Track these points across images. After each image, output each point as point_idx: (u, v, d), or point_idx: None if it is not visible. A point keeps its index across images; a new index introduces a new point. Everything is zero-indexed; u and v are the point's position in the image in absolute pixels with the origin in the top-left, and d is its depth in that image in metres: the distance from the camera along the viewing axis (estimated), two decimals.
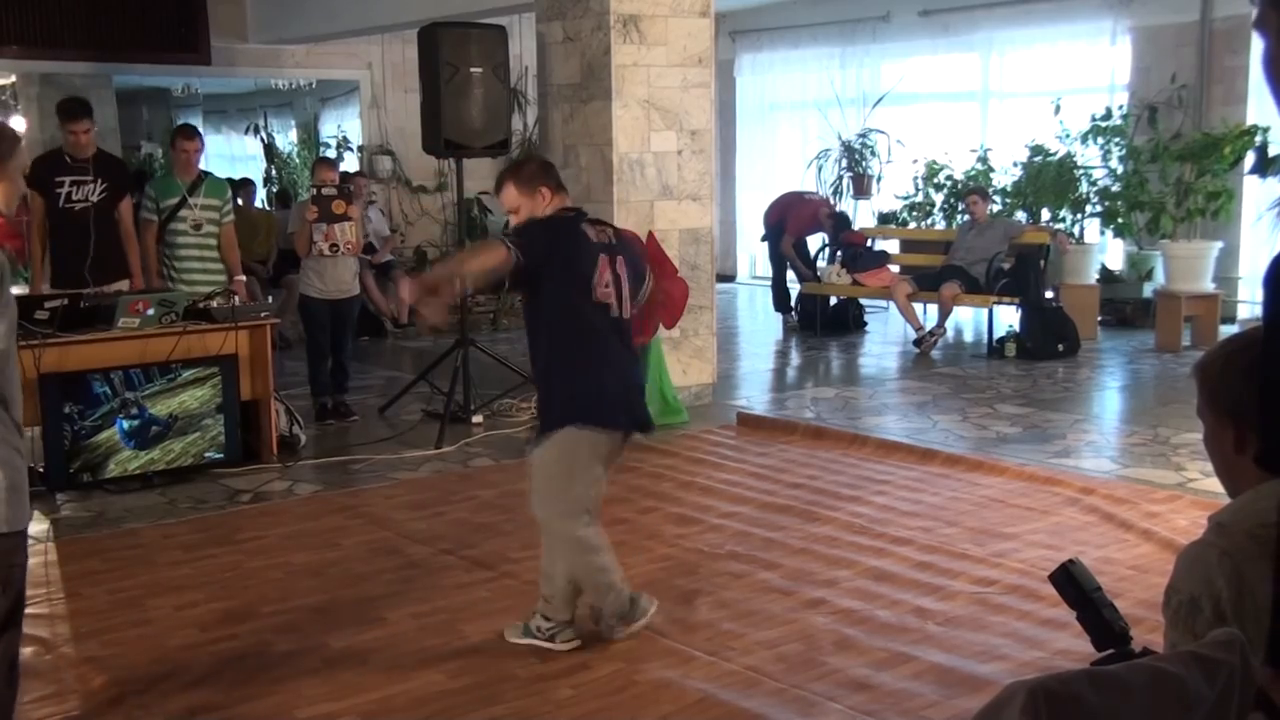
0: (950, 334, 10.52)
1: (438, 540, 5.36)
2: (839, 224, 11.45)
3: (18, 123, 11.99)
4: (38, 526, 5.63)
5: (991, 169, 11.60)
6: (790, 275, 11.70)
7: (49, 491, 6.00)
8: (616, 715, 3.70)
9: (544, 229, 4.09)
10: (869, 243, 11.30)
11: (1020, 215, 10.97)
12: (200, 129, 7.93)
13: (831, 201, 11.99)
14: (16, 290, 4.91)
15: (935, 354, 9.85)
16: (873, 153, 12.53)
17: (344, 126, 13.71)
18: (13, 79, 11.94)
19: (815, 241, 11.77)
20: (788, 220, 11.46)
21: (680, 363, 7.88)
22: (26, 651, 4.03)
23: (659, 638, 4.21)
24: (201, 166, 7.46)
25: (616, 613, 4.14)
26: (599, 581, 4.11)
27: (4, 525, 3.00)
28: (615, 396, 4.13)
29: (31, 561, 5.14)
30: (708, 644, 4.18)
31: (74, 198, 6.94)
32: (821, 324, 10.97)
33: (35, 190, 6.98)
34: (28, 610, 4.49)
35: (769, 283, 12.04)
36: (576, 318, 4.06)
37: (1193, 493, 5.71)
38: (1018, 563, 4.89)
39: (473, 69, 7.49)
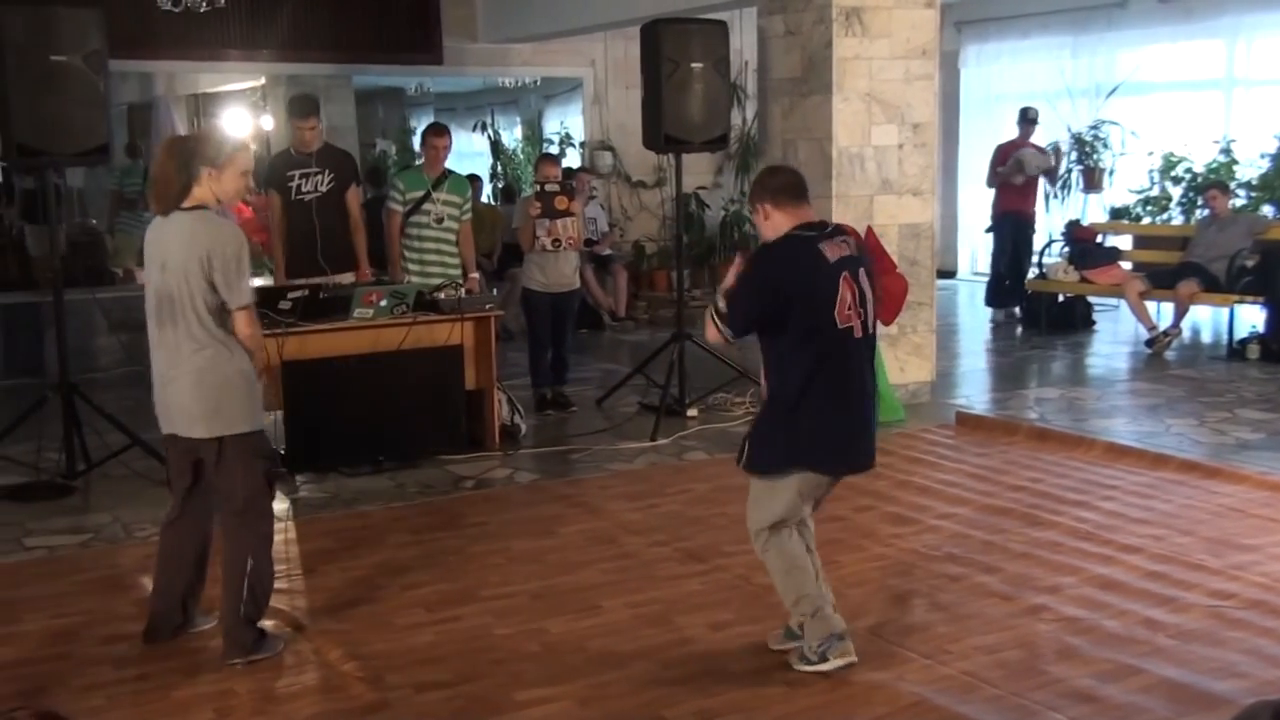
0: (1186, 335, 10.03)
1: (652, 531, 5.42)
2: (1026, 118, 11.23)
3: (266, 121, 12.70)
4: (279, 505, 5.95)
5: (1235, 161, 10.99)
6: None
7: (289, 473, 6.33)
8: (828, 714, 3.67)
9: (758, 277, 3.84)
10: (1099, 238, 10.88)
11: (1267, 210, 10.36)
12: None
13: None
14: (261, 281, 5.31)
15: (1169, 355, 9.41)
16: (1105, 145, 12.03)
17: (567, 123, 13.99)
18: (262, 81, 12.63)
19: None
20: (996, 168, 11.30)
21: (898, 360, 7.75)
22: (268, 624, 4.27)
23: (873, 638, 4.15)
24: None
25: (818, 637, 3.90)
26: (802, 594, 3.94)
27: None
28: (840, 440, 3.90)
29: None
30: (923, 646, 4.10)
31: (303, 190, 7.29)
32: (1047, 322, 10.62)
33: (272, 189, 7.38)
34: None
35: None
36: (812, 353, 3.81)
37: None
38: (1259, 576, 4.63)
39: (694, 64, 7.53)
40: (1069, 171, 12.05)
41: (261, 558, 4.16)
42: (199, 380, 4.00)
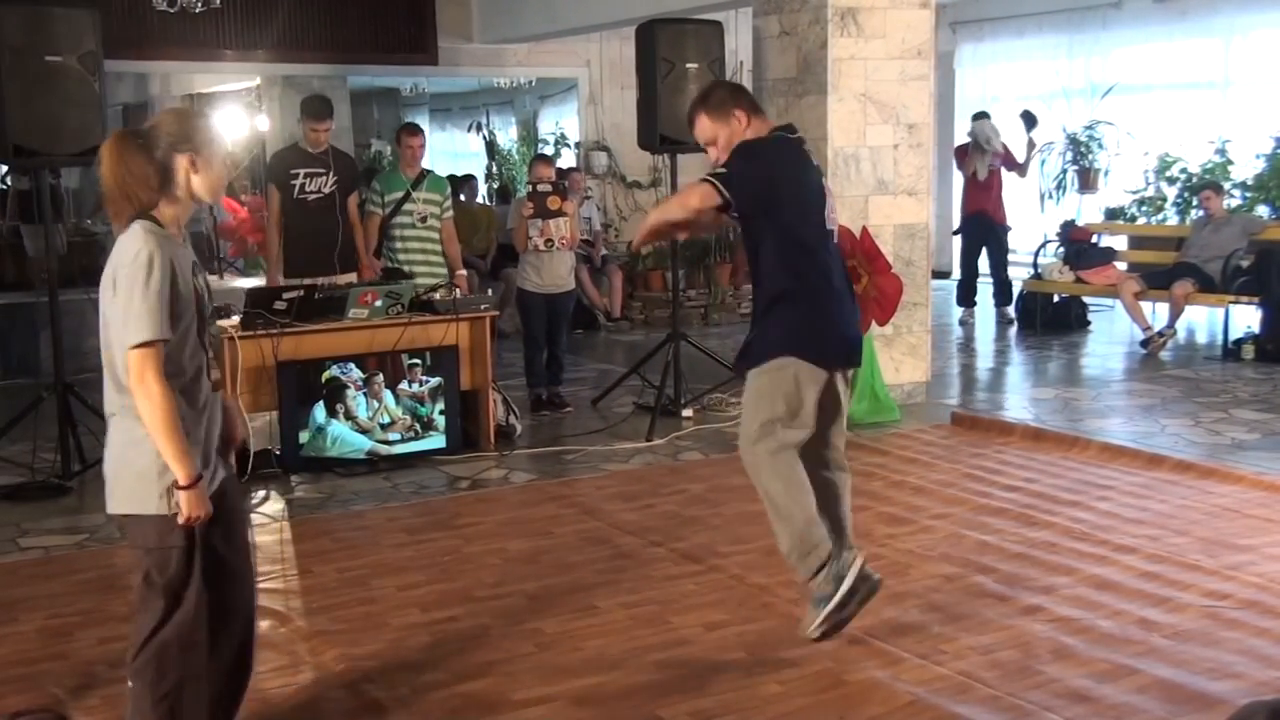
0: (1181, 335, 10.05)
1: (647, 532, 5.42)
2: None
3: (261, 122, 12.68)
4: (274, 506, 5.96)
5: (1231, 161, 11.01)
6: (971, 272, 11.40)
7: (284, 474, 6.33)
8: (824, 714, 3.67)
9: (756, 158, 3.77)
10: (1094, 239, 10.89)
11: (1262, 210, 10.37)
12: (426, 127, 8.20)
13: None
14: (254, 281, 5.18)
15: (1164, 355, 9.42)
16: (1100, 145, 12.05)
17: (562, 123, 13.99)
18: (257, 81, 12.62)
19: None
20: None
21: (893, 360, 7.76)
22: (263, 625, 4.26)
23: (869, 638, 4.15)
24: (425, 165, 7.74)
25: (815, 564, 3.89)
26: (793, 517, 3.87)
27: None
28: (837, 333, 3.93)
29: (267, 539, 5.48)
30: (918, 647, 4.10)
31: (307, 189, 7.28)
32: (1042, 322, 10.63)
33: (272, 184, 7.37)
34: (264, 584, 4.78)
35: (989, 280, 11.64)
36: (802, 248, 3.80)
37: None
38: (1255, 576, 4.63)
39: (689, 65, 7.55)
40: (1064, 171, 12.07)
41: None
42: (109, 441, 3.13)
